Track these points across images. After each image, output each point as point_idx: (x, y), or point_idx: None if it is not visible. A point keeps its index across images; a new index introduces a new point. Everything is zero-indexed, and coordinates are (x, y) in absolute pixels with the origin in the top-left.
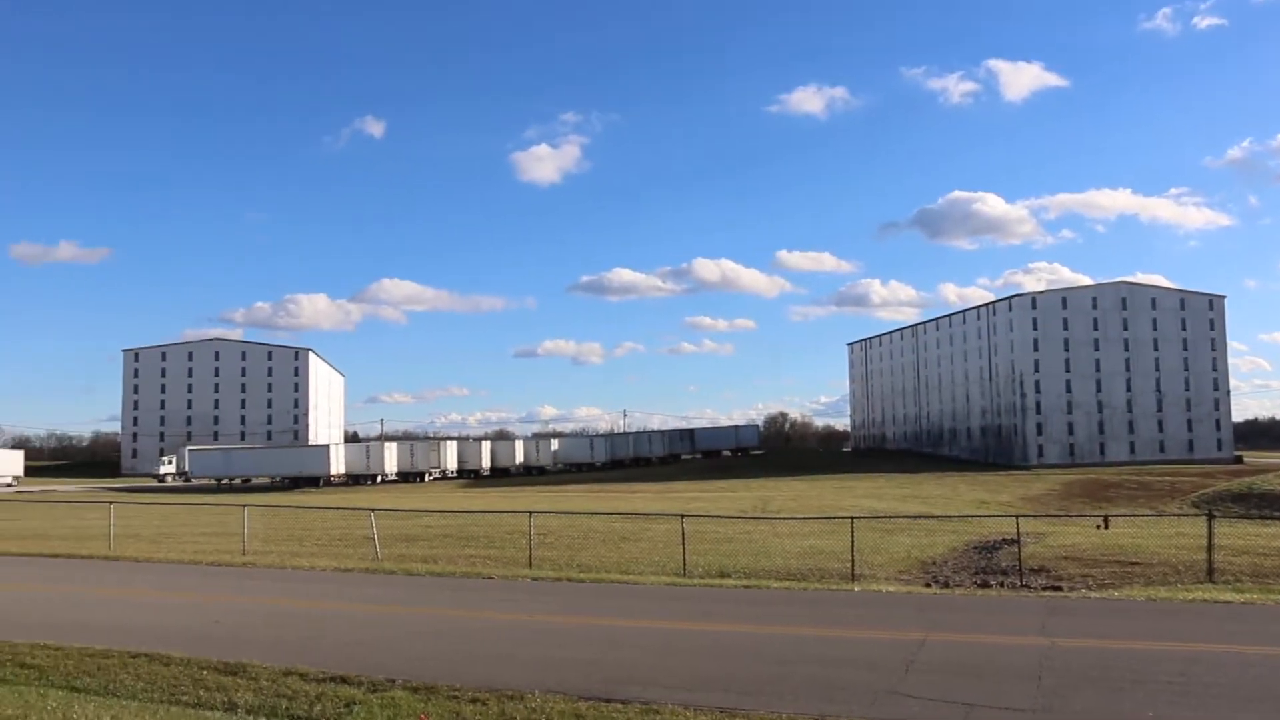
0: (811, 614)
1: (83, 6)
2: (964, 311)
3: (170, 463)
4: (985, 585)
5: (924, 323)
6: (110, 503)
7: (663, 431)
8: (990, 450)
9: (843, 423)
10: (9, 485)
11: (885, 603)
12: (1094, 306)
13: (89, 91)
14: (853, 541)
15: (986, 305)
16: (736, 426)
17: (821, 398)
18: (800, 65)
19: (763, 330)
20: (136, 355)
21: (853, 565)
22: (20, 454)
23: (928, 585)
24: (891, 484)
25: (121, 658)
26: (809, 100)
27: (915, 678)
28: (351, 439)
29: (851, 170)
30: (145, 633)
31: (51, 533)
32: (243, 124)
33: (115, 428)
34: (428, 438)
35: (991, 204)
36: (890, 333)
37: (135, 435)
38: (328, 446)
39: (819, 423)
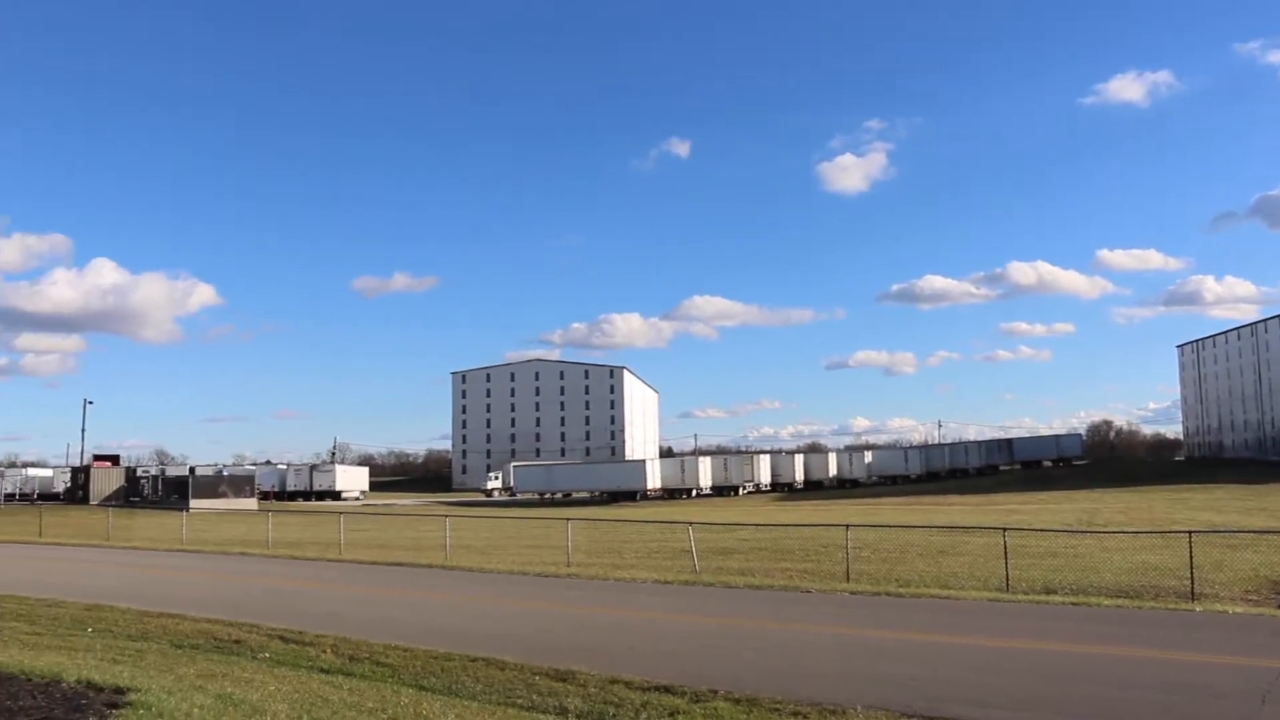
0: (1147, 635)
1: (404, 43)
2: None
3: (496, 478)
4: None
5: (1266, 320)
6: (445, 516)
7: (979, 442)
8: None
9: (1174, 430)
10: (357, 499)
11: (1231, 625)
12: None
13: (415, 127)
14: (1191, 557)
15: None
16: (1057, 436)
17: (1149, 404)
18: (1118, 51)
19: (1083, 334)
20: (463, 377)
21: (1192, 583)
22: (365, 470)
23: None
24: (1231, 495)
25: (462, 661)
26: (1128, 88)
27: (1274, 709)
28: (666, 454)
29: (1179, 160)
30: (481, 638)
31: (394, 543)
32: (556, 151)
33: (446, 445)
34: (740, 451)
35: None
36: (1226, 332)
37: (464, 452)
38: (644, 461)
39: (1147, 430)
